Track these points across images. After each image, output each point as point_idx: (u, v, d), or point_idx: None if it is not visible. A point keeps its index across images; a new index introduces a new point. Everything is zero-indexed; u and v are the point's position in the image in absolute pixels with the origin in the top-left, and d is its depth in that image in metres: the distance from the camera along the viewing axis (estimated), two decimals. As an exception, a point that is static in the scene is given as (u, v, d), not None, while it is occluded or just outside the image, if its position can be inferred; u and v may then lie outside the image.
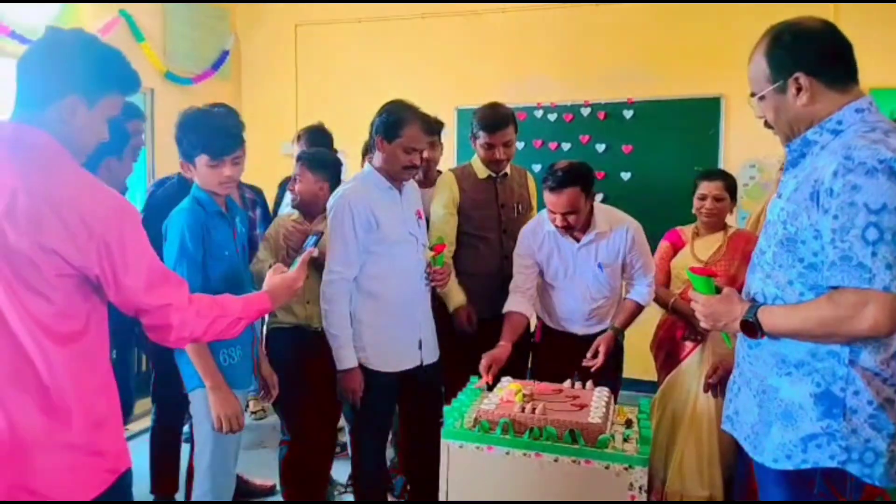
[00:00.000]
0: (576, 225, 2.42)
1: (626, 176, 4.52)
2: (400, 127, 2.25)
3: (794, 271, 1.39)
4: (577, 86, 4.56)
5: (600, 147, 4.56)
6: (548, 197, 2.39)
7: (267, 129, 4.74)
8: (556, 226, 2.42)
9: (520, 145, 4.62)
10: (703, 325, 1.56)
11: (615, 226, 2.49)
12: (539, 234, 2.54)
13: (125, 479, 1.38)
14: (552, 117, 4.64)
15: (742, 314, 1.43)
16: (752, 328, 1.41)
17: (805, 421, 1.38)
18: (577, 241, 2.49)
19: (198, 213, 1.94)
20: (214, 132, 1.96)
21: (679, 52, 4.38)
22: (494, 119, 2.66)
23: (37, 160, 1.25)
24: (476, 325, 2.64)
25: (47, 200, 1.21)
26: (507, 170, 2.77)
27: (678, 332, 2.69)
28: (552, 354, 2.59)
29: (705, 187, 2.68)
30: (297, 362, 2.47)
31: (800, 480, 1.40)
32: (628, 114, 4.49)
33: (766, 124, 1.52)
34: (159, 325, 1.34)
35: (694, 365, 2.61)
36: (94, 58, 1.32)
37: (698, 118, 4.31)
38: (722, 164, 4.17)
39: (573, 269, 2.52)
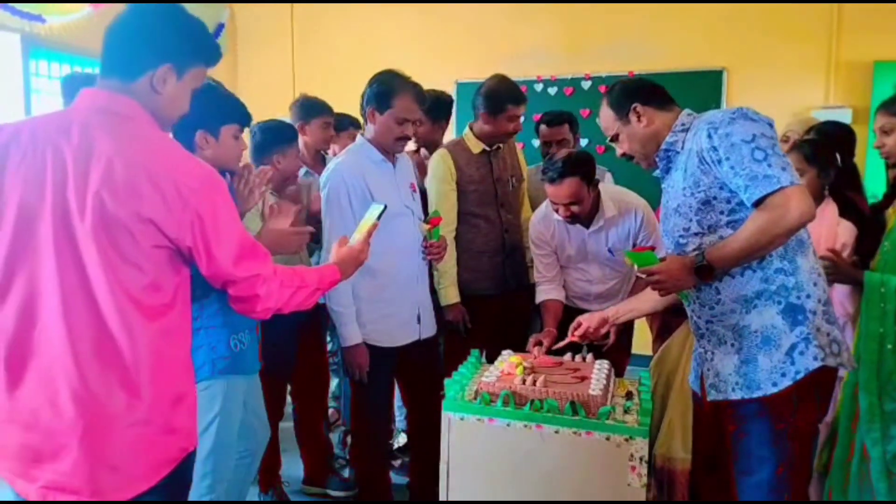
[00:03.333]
0: (581, 214, 2.38)
1: (626, 150, 4.49)
2: (391, 97, 2.21)
3: (721, 225, 1.62)
4: (577, 59, 4.51)
5: (601, 121, 4.52)
6: (549, 189, 2.36)
7: (263, 104, 4.63)
8: (561, 217, 2.40)
9: (519, 119, 4.60)
10: (661, 293, 1.75)
11: (624, 210, 2.46)
12: (548, 222, 2.52)
13: (191, 457, 1.38)
14: (552, 91, 4.60)
15: (693, 262, 1.63)
16: (706, 271, 1.61)
17: (783, 337, 1.59)
18: (587, 227, 2.47)
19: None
20: (238, 102, 1.95)
21: (681, 24, 4.32)
22: (520, 91, 2.65)
23: (131, 130, 1.25)
24: (468, 319, 2.62)
25: (144, 170, 1.20)
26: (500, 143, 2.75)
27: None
28: (564, 330, 2.54)
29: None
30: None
31: (778, 404, 1.59)
32: (629, 87, 4.45)
33: (628, 159, 1.83)
34: (247, 297, 1.35)
35: (682, 335, 2.63)
36: (183, 27, 1.33)
37: (700, 91, 4.26)
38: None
39: (585, 253, 2.51)
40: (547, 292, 2.53)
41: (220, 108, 1.87)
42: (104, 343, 1.22)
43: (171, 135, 1.51)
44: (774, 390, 1.59)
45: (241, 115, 1.93)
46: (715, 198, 1.60)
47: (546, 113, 3.19)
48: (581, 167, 2.32)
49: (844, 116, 3.82)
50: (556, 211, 2.40)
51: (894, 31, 3.93)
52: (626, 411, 1.87)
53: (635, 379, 2.15)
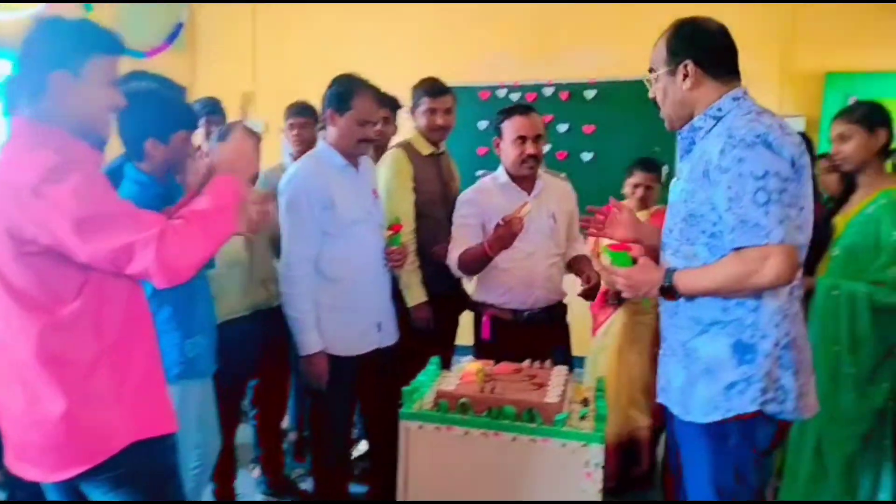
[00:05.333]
0: (539, 157, 2.41)
1: (587, 156, 4.54)
2: (350, 98, 2.20)
3: (699, 243, 1.54)
4: (540, 66, 4.55)
5: (563, 127, 4.57)
6: (519, 121, 2.37)
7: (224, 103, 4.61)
8: (528, 155, 2.36)
9: (483, 124, 4.61)
10: (625, 294, 1.69)
11: (551, 179, 2.56)
12: (486, 192, 2.46)
13: (149, 444, 1.39)
14: (515, 97, 4.62)
15: (660, 280, 1.57)
16: (669, 292, 1.56)
17: (725, 372, 1.51)
18: (528, 193, 2.43)
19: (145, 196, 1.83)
20: (184, 106, 1.97)
21: (641, 33, 4.35)
22: (438, 84, 2.68)
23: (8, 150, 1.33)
24: (432, 319, 2.60)
25: (8, 183, 1.28)
26: (444, 148, 2.76)
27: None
28: (505, 353, 2.29)
29: (640, 177, 2.89)
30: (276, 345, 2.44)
31: (719, 433, 1.52)
32: (590, 94, 4.50)
33: (655, 105, 1.68)
34: (138, 271, 1.28)
35: (617, 322, 2.85)
36: (59, 29, 1.33)
37: (659, 99, 4.34)
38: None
39: (528, 222, 2.33)
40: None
41: (167, 115, 1.84)
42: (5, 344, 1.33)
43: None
44: (704, 420, 1.54)
45: (188, 121, 1.90)
46: (702, 215, 1.52)
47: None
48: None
49: (797, 125, 3.93)
50: (523, 148, 2.36)
51: (846, 43, 4.06)
52: (583, 418, 1.88)
53: (592, 385, 2.17)
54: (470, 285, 2.68)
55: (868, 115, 2.20)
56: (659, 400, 1.72)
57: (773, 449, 1.55)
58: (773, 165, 1.41)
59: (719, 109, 1.55)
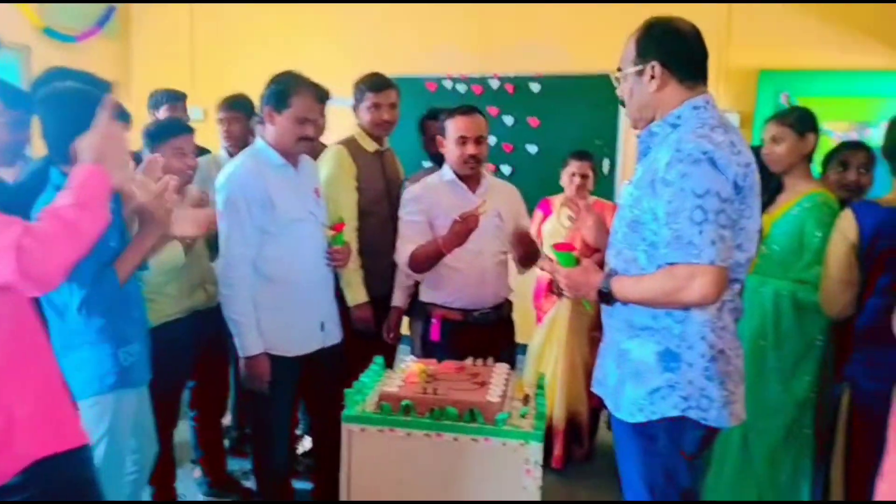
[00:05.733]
0: (482, 158, 2.40)
1: (532, 149, 4.59)
2: (289, 96, 2.16)
3: (639, 249, 1.56)
4: (486, 58, 4.55)
5: (508, 120, 4.60)
6: (461, 122, 2.37)
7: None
8: (469, 155, 2.37)
9: (429, 116, 4.60)
10: (566, 294, 1.74)
11: (495, 181, 2.59)
12: (432, 189, 2.45)
13: (53, 460, 1.34)
14: (461, 89, 4.62)
15: (598, 284, 1.62)
16: (606, 296, 1.60)
17: (651, 377, 1.55)
18: (474, 191, 2.45)
19: None
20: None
21: (586, 28, 4.44)
22: (381, 79, 2.66)
23: None
24: (373, 318, 2.59)
25: None
26: (387, 145, 2.75)
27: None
28: (453, 354, 2.34)
29: (576, 166, 3.05)
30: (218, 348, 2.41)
31: (648, 433, 1.57)
32: (536, 87, 4.54)
33: (622, 104, 1.68)
34: (3, 282, 1.19)
35: (561, 313, 3.01)
36: None
37: (602, 94, 4.37)
38: (621, 138, 4.33)
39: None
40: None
41: (93, 113, 1.76)
42: None
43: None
44: (631, 420, 1.59)
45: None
46: (644, 223, 1.53)
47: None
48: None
49: (732, 121, 4.07)
50: (464, 149, 2.37)
51: (779, 42, 4.21)
52: (523, 416, 1.92)
53: (532, 380, 2.21)
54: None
55: (800, 120, 2.30)
56: (594, 390, 1.78)
57: (702, 452, 1.60)
58: (715, 185, 1.41)
59: (678, 117, 1.54)
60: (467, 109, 2.42)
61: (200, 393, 2.74)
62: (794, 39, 4.21)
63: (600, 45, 4.46)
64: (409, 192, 2.52)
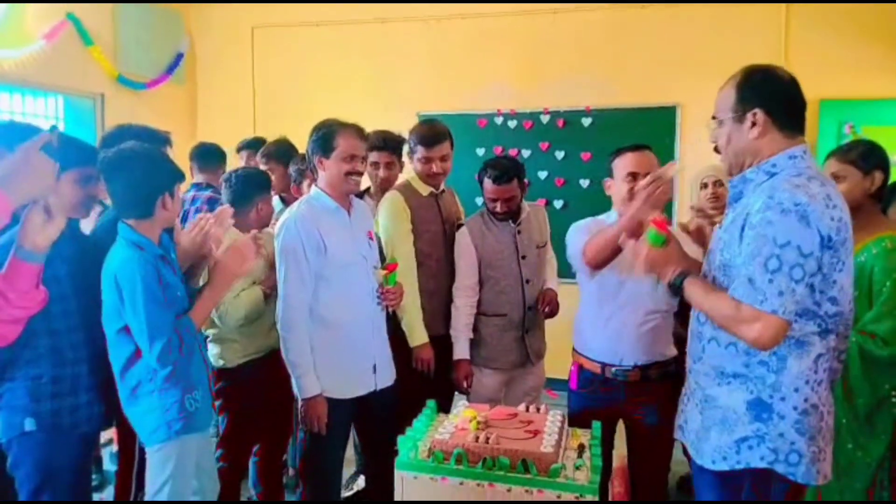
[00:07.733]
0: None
1: (584, 183, 4.57)
2: (333, 138, 2.24)
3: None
4: (536, 93, 4.59)
5: (559, 154, 4.60)
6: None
7: (223, 135, 4.64)
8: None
9: (480, 151, 4.65)
10: (638, 268, 1.76)
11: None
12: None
13: None
14: (512, 124, 4.66)
15: (674, 271, 1.66)
16: (675, 288, 1.65)
17: (739, 425, 1.55)
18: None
19: (146, 259, 1.84)
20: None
21: (636, 61, 4.43)
22: (431, 133, 2.69)
23: None
24: (433, 360, 2.61)
25: None
26: (443, 186, 2.79)
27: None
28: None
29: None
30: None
31: (732, 482, 1.57)
32: (587, 121, 4.54)
33: (716, 149, 1.69)
34: None
35: None
36: None
37: (655, 126, 4.37)
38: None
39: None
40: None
41: (163, 171, 1.92)
42: None
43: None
44: (713, 468, 1.58)
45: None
46: (734, 267, 1.54)
47: (492, 167, 2.70)
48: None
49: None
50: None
51: (839, 71, 4.09)
52: (578, 468, 1.89)
53: (587, 430, 2.17)
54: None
55: (864, 156, 2.13)
56: (675, 436, 1.77)
57: None
58: (797, 238, 1.42)
59: (773, 165, 1.54)
60: (635, 147, 2.29)
61: (267, 428, 2.80)
62: (855, 67, 4.10)
63: (650, 77, 4.47)
64: (465, 238, 2.68)
